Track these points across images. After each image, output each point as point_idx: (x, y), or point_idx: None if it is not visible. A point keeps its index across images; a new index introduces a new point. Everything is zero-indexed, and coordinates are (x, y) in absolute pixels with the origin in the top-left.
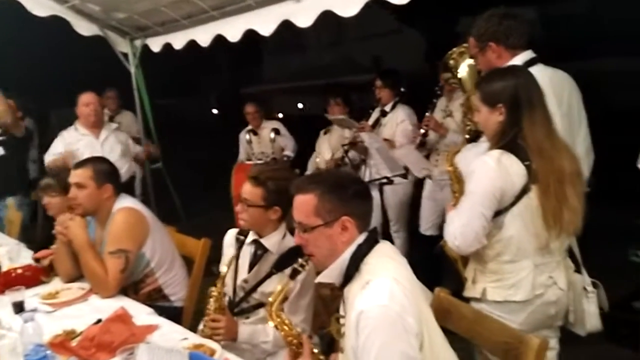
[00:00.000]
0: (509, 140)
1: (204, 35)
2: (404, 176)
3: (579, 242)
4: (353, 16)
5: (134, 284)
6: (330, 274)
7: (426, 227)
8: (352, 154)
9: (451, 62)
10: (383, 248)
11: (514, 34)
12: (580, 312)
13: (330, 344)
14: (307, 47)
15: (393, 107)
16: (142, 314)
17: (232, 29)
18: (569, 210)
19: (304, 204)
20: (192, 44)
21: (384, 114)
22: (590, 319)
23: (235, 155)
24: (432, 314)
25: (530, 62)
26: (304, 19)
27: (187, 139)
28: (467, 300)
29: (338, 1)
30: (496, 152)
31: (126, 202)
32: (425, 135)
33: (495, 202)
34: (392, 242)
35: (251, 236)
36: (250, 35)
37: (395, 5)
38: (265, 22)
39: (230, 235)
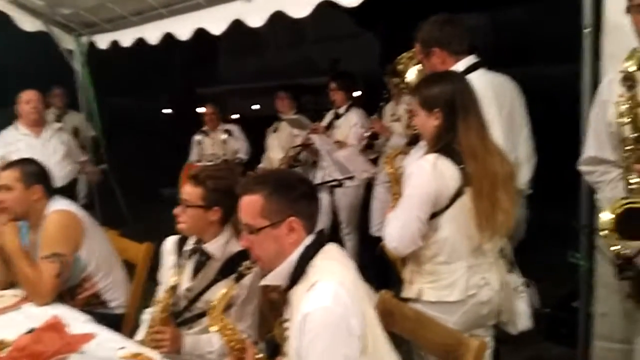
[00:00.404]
0: (444, 144)
1: (152, 33)
2: (352, 178)
3: (522, 243)
4: (307, 17)
5: (70, 290)
6: (277, 276)
7: (376, 228)
8: (304, 155)
9: (400, 67)
10: (330, 250)
11: (455, 40)
12: (512, 311)
13: (276, 348)
14: (265, 48)
15: (347, 110)
16: (78, 322)
17: (182, 27)
18: (501, 212)
19: (250, 204)
20: (145, 42)
21: (337, 116)
22: (521, 318)
23: (187, 156)
24: (376, 316)
25: (473, 67)
26: (255, 19)
27: (139, 139)
28: (406, 300)
29: (290, 2)
30: (432, 156)
31: (59, 204)
32: (373, 137)
33: (431, 205)
34: (343, 244)
35: (193, 242)
36: (206, 35)
37: (352, 8)
38: (215, 21)
39: (170, 242)
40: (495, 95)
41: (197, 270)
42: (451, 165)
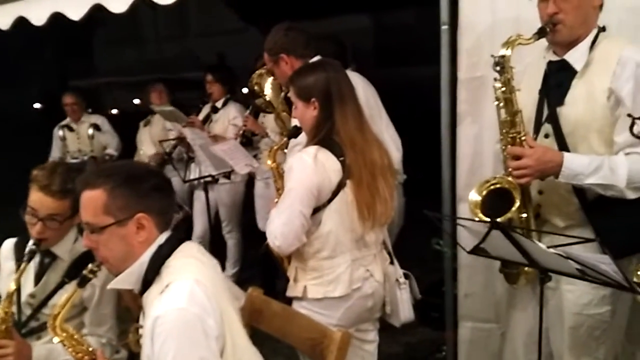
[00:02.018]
0: (323, 135)
1: (3, 18)
2: (228, 175)
3: (399, 232)
4: (191, 10)
5: None
6: (127, 279)
7: (263, 224)
8: (178, 150)
9: (256, 87)
10: (187, 248)
11: (300, 44)
12: (395, 303)
13: (133, 357)
14: (147, 40)
15: (224, 104)
16: None
17: (37, 10)
18: (380, 202)
19: (91, 200)
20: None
21: (214, 110)
22: (404, 309)
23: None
24: (237, 315)
25: None
26: (118, 5)
27: (4, 136)
28: (291, 299)
29: None
30: (312, 149)
31: None
32: (254, 134)
33: (314, 199)
34: (224, 243)
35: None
36: (79, 23)
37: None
38: (74, 5)
39: (7, 246)
40: None
41: (40, 274)
42: (332, 157)
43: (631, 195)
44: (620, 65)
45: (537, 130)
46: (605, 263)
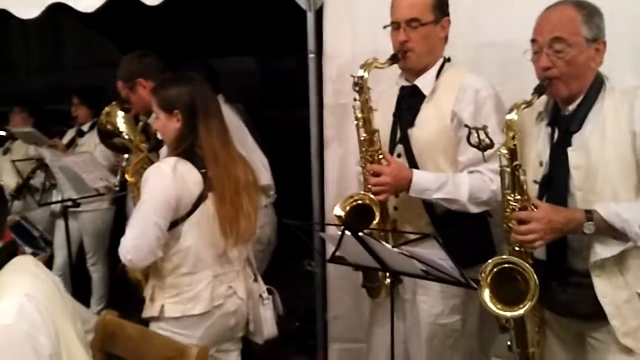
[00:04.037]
0: (186, 147)
1: None
2: (92, 198)
3: (272, 252)
4: (66, 40)
5: None
6: None
7: None
8: (39, 176)
9: (109, 127)
10: (20, 262)
11: (155, 69)
12: (258, 320)
13: None
14: (18, 71)
15: (91, 127)
16: None
17: None
18: (244, 218)
19: None
20: None
21: (80, 133)
22: (267, 325)
23: None
24: (77, 335)
25: None
26: None
27: None
28: (147, 321)
29: (15, 1)
30: (172, 160)
31: None
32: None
33: (171, 210)
34: (89, 277)
35: None
36: None
37: (115, 34)
38: None
39: None
40: None
41: None
42: (193, 168)
43: (473, 209)
44: (462, 91)
45: (391, 150)
46: (442, 258)
